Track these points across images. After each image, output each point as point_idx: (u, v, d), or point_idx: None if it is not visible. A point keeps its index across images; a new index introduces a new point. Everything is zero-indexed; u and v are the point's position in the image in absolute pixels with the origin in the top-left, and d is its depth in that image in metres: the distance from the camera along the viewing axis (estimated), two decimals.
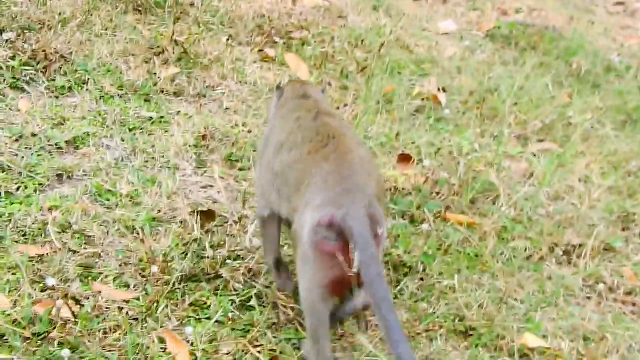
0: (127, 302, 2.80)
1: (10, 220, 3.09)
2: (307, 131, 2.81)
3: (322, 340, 2.62)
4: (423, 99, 4.64)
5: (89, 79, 4.10)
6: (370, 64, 4.80)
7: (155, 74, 4.29)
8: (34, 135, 3.60)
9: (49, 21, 4.44)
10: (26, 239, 3.02)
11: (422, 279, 3.22)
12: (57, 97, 3.96)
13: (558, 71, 5.40)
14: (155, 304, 2.80)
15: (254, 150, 3.75)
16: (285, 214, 2.79)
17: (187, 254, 3.08)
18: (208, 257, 3.08)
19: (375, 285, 2.41)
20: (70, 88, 4.03)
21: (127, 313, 2.76)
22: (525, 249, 3.49)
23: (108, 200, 3.32)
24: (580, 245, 3.57)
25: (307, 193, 2.62)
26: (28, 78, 4.00)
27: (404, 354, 2.33)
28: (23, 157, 3.44)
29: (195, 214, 3.29)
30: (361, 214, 2.49)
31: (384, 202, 2.77)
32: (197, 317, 2.82)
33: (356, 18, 5.71)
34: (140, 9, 4.95)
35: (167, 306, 2.81)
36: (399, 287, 3.12)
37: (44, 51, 4.12)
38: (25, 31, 4.30)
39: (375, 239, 2.48)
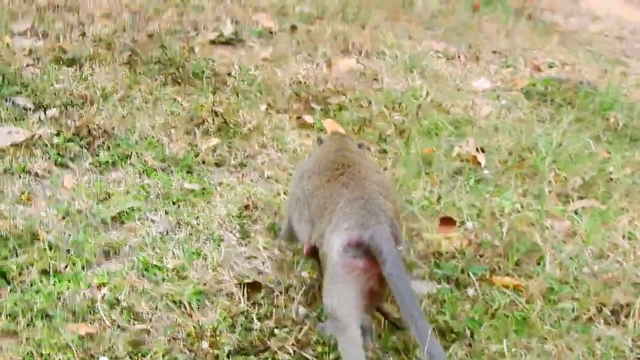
0: None
1: (60, 298, 3.13)
2: (325, 161, 3.25)
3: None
4: (462, 160, 4.64)
5: (131, 153, 4.17)
6: (408, 127, 4.84)
7: (196, 145, 4.35)
8: (79, 211, 3.66)
9: (90, 96, 4.54)
10: (75, 317, 3.05)
11: (470, 345, 3.20)
12: (101, 173, 4.02)
13: (595, 126, 5.38)
14: None
15: None
16: (304, 236, 3.14)
17: (235, 327, 3.10)
18: (256, 330, 3.09)
19: (407, 298, 2.72)
20: (113, 163, 4.09)
21: None
22: (573, 310, 3.46)
23: (155, 274, 3.35)
24: (628, 305, 3.54)
25: (333, 218, 2.92)
26: (72, 154, 4.07)
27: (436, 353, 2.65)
28: (70, 235, 3.49)
29: (242, 286, 3.31)
30: (387, 233, 2.83)
31: (400, 222, 3.12)
32: None
33: (391, 80, 5.76)
34: (178, 80, 5.04)
35: None
36: (447, 354, 3.11)
37: (87, 127, 4.20)
38: (68, 107, 4.40)
39: None
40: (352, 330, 2.84)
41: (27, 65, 4.76)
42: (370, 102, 5.19)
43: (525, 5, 11.65)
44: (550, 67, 7.18)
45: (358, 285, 2.83)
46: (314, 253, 3.06)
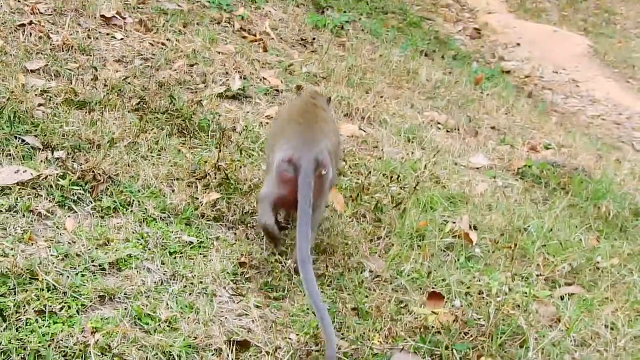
0: None
1: (53, 339, 3.19)
2: (293, 107, 4.50)
3: (265, 214, 4.05)
4: (455, 236, 4.74)
5: (133, 201, 4.25)
6: (405, 198, 4.94)
7: (197, 198, 4.43)
8: (78, 255, 3.73)
9: (97, 141, 4.63)
10: None
11: None
12: (102, 217, 4.10)
13: (587, 213, 5.51)
14: None
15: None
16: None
17: None
18: None
19: (301, 200, 3.74)
20: (115, 209, 4.17)
21: None
22: None
23: (147, 324, 3.42)
24: None
25: (281, 141, 3.97)
26: (76, 197, 4.15)
27: (302, 252, 3.61)
28: (68, 277, 3.56)
29: (231, 342, 3.38)
30: (310, 157, 3.84)
31: (339, 156, 4.46)
32: None
33: (391, 149, 5.88)
34: (184, 131, 5.14)
35: None
36: None
37: (92, 171, 4.29)
38: (75, 150, 4.49)
39: (319, 177, 3.87)
40: (265, 204, 4.03)
41: (39, 105, 4.85)
42: (369, 172, 5.29)
43: (526, 82, 11.90)
44: (547, 148, 7.33)
45: (284, 190, 3.91)
46: None
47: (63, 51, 5.87)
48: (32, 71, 5.35)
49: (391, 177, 5.23)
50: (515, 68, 12.39)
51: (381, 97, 7.42)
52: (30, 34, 5.91)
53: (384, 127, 6.39)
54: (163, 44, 6.62)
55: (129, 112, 5.15)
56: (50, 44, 5.88)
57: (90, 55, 5.95)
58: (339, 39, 9.24)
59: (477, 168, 6.13)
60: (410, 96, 7.81)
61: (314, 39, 8.88)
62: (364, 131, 6.16)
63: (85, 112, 4.96)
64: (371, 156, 5.61)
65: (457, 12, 15.22)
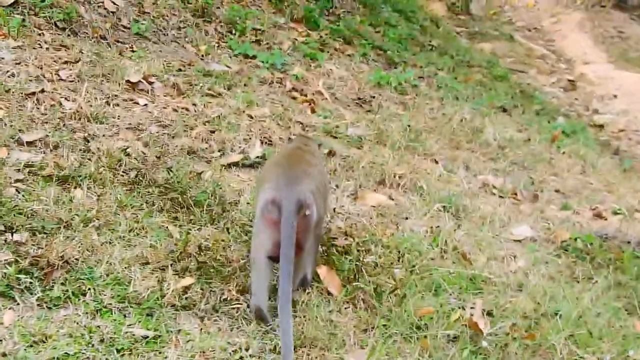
0: None
1: None
2: (282, 153, 4.61)
3: (258, 285, 3.91)
4: (463, 324, 4.17)
5: (89, 289, 3.86)
6: (410, 280, 4.41)
7: (166, 283, 4.01)
8: (4, 355, 3.35)
9: (67, 221, 4.27)
10: None
11: None
12: (49, 309, 3.70)
13: (632, 295, 4.84)
14: None
15: None
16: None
17: None
18: None
19: (284, 242, 3.68)
20: (66, 299, 3.77)
21: None
22: None
23: None
24: None
25: (266, 183, 3.93)
26: (24, 286, 3.78)
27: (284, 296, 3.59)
28: None
29: None
30: (293, 197, 3.77)
31: (322, 198, 4.16)
32: None
33: (415, 222, 5.34)
34: (177, 207, 4.75)
35: None
36: None
37: (48, 256, 3.92)
38: (38, 232, 4.13)
39: (303, 218, 3.80)
40: (260, 263, 3.89)
41: (17, 181, 4.53)
42: (376, 249, 4.77)
43: (620, 136, 11.08)
44: (616, 214, 6.64)
45: (272, 234, 3.80)
46: None
47: (74, 120, 5.58)
48: (28, 143, 5.06)
49: (399, 256, 4.69)
50: (609, 121, 11.58)
51: (433, 159, 6.90)
52: (40, 102, 5.66)
53: (419, 195, 5.86)
54: (187, 109, 6.27)
55: (117, 186, 4.78)
56: (62, 112, 5.61)
57: (102, 124, 5.65)
58: (402, 97, 8.76)
59: (519, 240, 5.52)
60: (468, 158, 7.25)
61: (372, 97, 8.43)
62: (393, 200, 5.65)
63: (66, 188, 4.61)
64: (388, 231, 5.07)
65: (552, 63, 14.52)
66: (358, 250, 4.70)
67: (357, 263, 4.55)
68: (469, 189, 6.31)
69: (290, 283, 3.64)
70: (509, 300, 4.53)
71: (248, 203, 4.97)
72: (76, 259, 4.01)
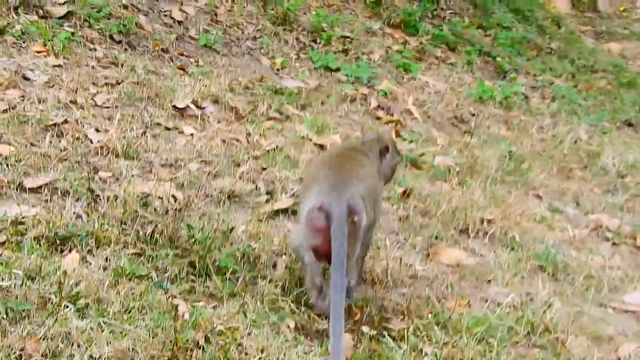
0: None
1: None
2: (330, 153, 4.35)
3: (312, 271, 3.69)
4: None
5: None
6: None
7: None
8: None
9: (48, 300, 3.40)
10: None
11: None
12: None
13: None
14: None
15: None
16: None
17: None
18: None
19: (335, 251, 3.43)
20: None
21: None
22: None
23: None
24: None
25: (312, 186, 3.70)
26: None
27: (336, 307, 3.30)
28: None
29: None
30: (342, 203, 3.52)
31: (373, 202, 3.79)
32: None
33: (499, 290, 4.29)
34: (194, 275, 3.83)
35: None
36: None
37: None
38: (2, 320, 3.27)
39: (352, 224, 3.54)
40: (308, 257, 3.67)
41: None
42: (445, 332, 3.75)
43: None
44: None
45: (315, 240, 3.61)
46: None
47: (99, 156, 4.76)
48: (30, 190, 4.25)
49: (469, 342, 3.65)
50: None
51: (536, 194, 5.81)
52: (62, 135, 4.86)
53: (510, 248, 4.79)
54: (237, 139, 5.36)
55: (124, 248, 3.90)
56: (86, 147, 4.79)
57: (133, 160, 4.81)
58: (507, 113, 7.65)
59: (633, 312, 4.39)
60: (580, 190, 6.14)
61: (472, 115, 7.36)
62: (476, 256, 4.60)
63: (55, 255, 3.75)
64: (462, 301, 4.04)
65: None
66: (416, 336, 3.67)
67: (413, 353, 3.54)
68: (575, 236, 5.20)
69: (344, 296, 3.37)
70: None
71: (286, 267, 4.03)
72: (44, 355, 3.11)
